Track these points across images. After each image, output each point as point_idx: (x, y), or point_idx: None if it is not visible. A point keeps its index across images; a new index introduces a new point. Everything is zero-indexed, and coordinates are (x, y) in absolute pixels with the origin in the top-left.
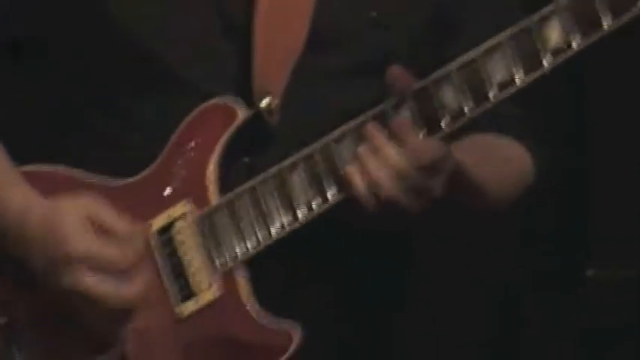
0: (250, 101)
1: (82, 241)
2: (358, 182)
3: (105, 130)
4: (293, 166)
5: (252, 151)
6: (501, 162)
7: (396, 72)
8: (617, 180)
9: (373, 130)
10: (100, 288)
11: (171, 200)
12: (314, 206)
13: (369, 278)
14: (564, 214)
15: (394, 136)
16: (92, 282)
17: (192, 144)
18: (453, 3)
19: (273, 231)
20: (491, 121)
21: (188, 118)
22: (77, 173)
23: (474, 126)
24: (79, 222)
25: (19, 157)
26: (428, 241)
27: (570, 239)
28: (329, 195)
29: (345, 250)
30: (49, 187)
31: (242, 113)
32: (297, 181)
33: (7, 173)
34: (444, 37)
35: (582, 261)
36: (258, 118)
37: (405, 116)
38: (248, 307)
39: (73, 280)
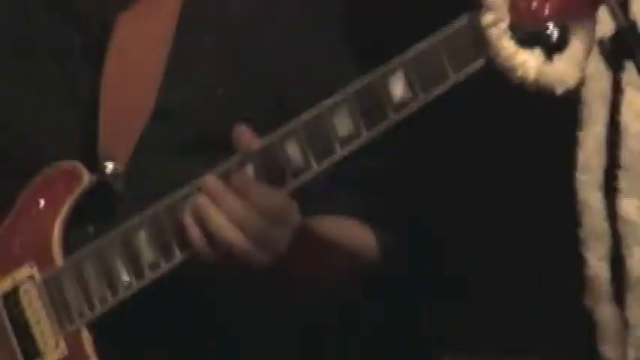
0: (96, 168)
1: None
2: (195, 233)
3: None
4: (138, 226)
5: (96, 220)
6: (347, 231)
7: (240, 130)
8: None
9: (211, 181)
10: None
11: (16, 263)
12: (161, 264)
13: (220, 346)
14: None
15: (235, 191)
16: None
17: (38, 207)
18: (293, 83)
19: (120, 291)
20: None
21: (34, 181)
22: None
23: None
24: None
25: None
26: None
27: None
28: (175, 253)
29: (192, 314)
30: None
31: (87, 177)
32: (143, 240)
33: None
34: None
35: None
36: (103, 186)
37: (248, 173)
38: None
39: None
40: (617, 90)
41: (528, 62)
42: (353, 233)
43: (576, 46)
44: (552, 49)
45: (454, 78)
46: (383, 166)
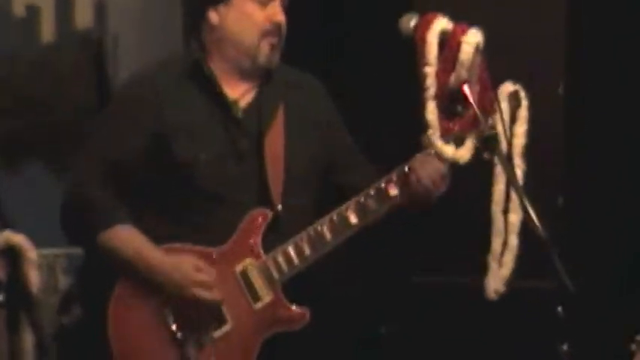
0: (272, 208)
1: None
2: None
3: (192, 226)
4: (323, 223)
5: (270, 234)
6: None
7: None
8: None
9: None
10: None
11: (243, 257)
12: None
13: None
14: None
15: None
16: (197, 291)
17: (249, 230)
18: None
19: (297, 263)
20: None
21: (246, 218)
22: (191, 247)
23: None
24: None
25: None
26: None
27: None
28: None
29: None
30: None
31: (270, 214)
32: (327, 230)
33: (152, 246)
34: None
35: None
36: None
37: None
38: (285, 302)
39: (192, 292)
40: None
41: (448, 150)
42: None
43: (469, 143)
44: (458, 144)
45: None
46: None
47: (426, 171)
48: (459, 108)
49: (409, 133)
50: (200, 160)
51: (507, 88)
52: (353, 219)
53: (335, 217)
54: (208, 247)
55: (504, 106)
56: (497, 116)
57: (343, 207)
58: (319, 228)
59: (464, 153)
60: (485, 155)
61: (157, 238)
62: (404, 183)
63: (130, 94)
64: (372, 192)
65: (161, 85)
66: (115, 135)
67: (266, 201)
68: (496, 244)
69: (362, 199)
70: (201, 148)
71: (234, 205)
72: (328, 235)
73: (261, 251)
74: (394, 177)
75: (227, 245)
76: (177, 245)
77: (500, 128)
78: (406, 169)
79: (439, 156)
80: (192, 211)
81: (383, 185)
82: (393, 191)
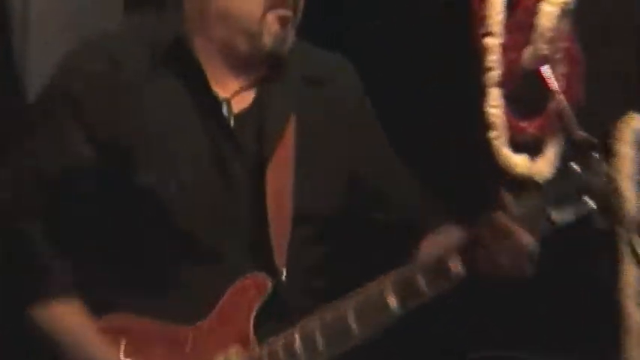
0: (269, 272)
1: None
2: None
3: (154, 289)
4: (348, 305)
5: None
6: None
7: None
8: None
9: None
10: None
11: (225, 343)
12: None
13: None
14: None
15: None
16: None
17: (237, 305)
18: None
19: None
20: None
21: (233, 287)
22: (154, 323)
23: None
24: None
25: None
26: None
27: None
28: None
29: None
30: (132, 333)
31: (269, 284)
32: (352, 316)
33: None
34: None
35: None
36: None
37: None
38: None
39: None
40: None
41: (519, 163)
42: None
43: (550, 152)
44: (534, 153)
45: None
46: None
47: (501, 245)
48: (536, 99)
49: (412, 132)
50: (171, 185)
51: (636, 123)
52: (392, 302)
53: (366, 298)
54: (178, 323)
55: (629, 151)
56: (616, 164)
57: (379, 284)
58: (341, 311)
59: (542, 167)
60: (598, 220)
61: (104, 303)
62: (469, 256)
63: (74, 74)
64: (423, 264)
65: (121, 67)
66: (53, 139)
67: (265, 259)
68: (634, 352)
69: (407, 274)
70: (172, 169)
71: (218, 259)
72: (354, 324)
73: (254, 337)
74: (458, 247)
75: (205, 324)
76: (134, 319)
77: (619, 182)
78: (472, 237)
79: (521, 220)
80: (155, 265)
81: (440, 257)
82: (456, 268)
